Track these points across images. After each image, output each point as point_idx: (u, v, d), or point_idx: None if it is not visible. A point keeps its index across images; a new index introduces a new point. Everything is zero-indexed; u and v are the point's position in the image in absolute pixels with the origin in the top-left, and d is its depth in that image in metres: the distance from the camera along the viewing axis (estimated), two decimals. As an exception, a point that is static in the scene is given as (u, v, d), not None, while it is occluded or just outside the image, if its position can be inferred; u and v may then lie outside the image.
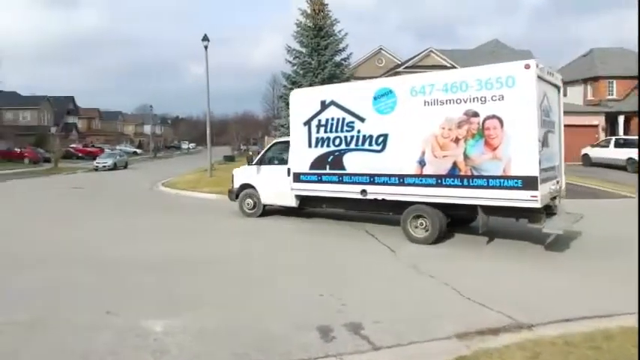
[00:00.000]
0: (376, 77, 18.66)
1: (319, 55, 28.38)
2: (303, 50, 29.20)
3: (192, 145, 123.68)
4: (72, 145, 66.34)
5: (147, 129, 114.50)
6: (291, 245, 11.17)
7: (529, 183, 9.16)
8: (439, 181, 10.21)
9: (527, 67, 9.21)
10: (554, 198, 10.38)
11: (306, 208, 14.10)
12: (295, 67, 28.85)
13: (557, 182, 10.52)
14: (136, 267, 9.02)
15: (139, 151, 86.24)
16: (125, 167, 47.39)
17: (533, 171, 9.15)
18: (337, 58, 29.07)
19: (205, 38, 29.81)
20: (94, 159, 59.56)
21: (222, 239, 11.94)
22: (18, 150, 53.26)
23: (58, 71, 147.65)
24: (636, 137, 29.49)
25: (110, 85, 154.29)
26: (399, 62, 45.04)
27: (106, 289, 7.71)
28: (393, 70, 40.27)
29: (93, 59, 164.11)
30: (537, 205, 9.16)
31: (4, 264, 9.47)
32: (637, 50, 23.42)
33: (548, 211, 10.13)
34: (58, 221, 15.19)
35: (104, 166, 43.83)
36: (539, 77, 9.34)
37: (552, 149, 10.41)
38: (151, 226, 14.08)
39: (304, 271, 8.72)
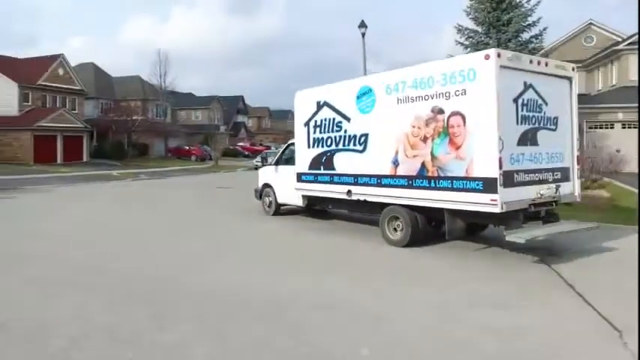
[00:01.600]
0: (583, 60, 13.72)
1: (499, 33, 23.69)
2: (478, 29, 24.70)
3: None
4: (239, 144, 68.80)
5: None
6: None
7: (489, 185, 8.56)
8: (410, 182, 10.02)
9: (487, 57, 8.63)
10: (550, 204, 9.41)
11: (317, 208, 14.21)
12: (468, 50, 24.37)
13: (557, 187, 9.40)
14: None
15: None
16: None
17: (492, 172, 8.51)
18: (525, 36, 24.01)
19: (362, 24, 26.78)
20: (259, 158, 60.71)
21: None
22: (187, 147, 56.00)
23: (233, 73, 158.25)
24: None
25: (281, 85, 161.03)
26: (619, 39, 35.68)
27: None
28: (609, 49, 32.18)
29: (267, 61, 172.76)
30: (497, 210, 8.47)
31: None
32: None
33: (540, 217, 9.44)
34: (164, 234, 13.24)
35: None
36: (508, 67, 8.70)
37: (546, 149, 9.48)
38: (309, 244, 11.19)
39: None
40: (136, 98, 52.16)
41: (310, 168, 12.90)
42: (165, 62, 56.20)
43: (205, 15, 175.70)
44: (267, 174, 15.42)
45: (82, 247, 10.50)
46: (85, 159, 45.20)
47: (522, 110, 9.03)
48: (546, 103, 9.48)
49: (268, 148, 70.54)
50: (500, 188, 8.43)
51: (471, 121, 8.83)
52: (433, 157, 9.48)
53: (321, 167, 12.52)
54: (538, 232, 8.91)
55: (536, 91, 9.31)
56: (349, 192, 11.57)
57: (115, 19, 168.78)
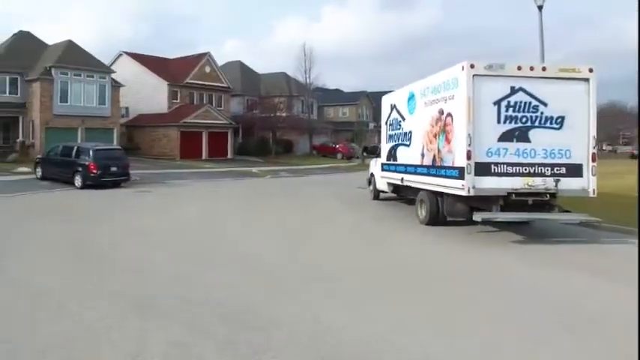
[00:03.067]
0: None
1: None
2: None
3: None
4: (388, 142, 65.71)
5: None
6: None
7: (461, 173, 10.56)
8: (428, 170, 12.43)
9: (462, 68, 10.57)
10: (544, 195, 10.57)
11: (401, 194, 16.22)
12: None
13: (557, 181, 10.54)
14: None
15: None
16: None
17: (462, 162, 10.48)
18: None
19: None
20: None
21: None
22: (332, 145, 54.14)
23: (384, 70, 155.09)
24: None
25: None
26: None
27: None
28: None
29: (419, 56, 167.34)
30: (464, 193, 10.49)
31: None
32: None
33: (528, 205, 10.54)
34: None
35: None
36: (486, 75, 10.44)
37: (543, 146, 10.60)
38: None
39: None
40: (281, 94, 51.30)
41: (387, 159, 15.88)
42: (310, 57, 54.72)
43: (356, 13, 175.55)
44: (372, 165, 18.44)
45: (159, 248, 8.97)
46: (229, 155, 45.15)
47: (507, 111, 10.54)
48: (545, 104, 10.62)
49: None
50: (467, 175, 10.34)
51: (456, 120, 10.86)
52: (438, 150, 11.72)
53: (391, 159, 15.51)
54: (505, 216, 10.54)
55: (528, 94, 10.59)
56: (402, 179, 14.39)
57: (266, 22, 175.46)
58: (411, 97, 13.68)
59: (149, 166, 32.78)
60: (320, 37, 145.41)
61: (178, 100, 44.82)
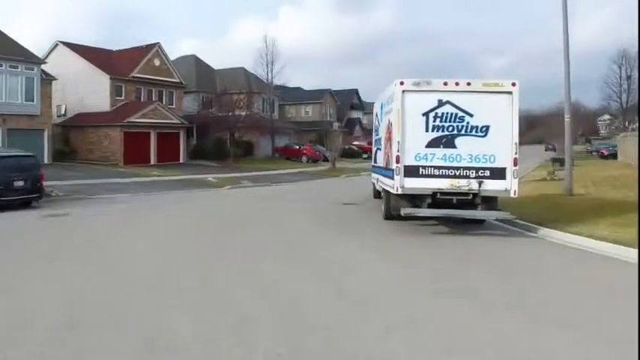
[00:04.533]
0: None
1: None
2: None
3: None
4: (355, 142, 61.06)
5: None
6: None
7: (393, 174, 12.07)
8: (384, 172, 13.99)
9: (395, 85, 12.10)
10: (467, 195, 11.79)
11: None
12: None
13: (480, 182, 11.69)
14: None
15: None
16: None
17: (393, 165, 12.07)
18: None
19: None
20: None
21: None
22: (297, 147, 49.03)
23: (344, 71, 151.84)
24: None
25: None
26: None
27: None
28: None
29: (379, 58, 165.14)
30: (394, 191, 12.11)
31: None
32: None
33: (454, 203, 11.88)
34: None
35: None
36: (416, 91, 11.86)
37: (469, 151, 11.74)
38: None
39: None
40: (240, 91, 45.70)
41: (373, 163, 18.05)
42: (273, 49, 49.44)
43: (313, 15, 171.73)
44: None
45: None
46: (182, 159, 39.60)
47: (434, 121, 11.86)
48: (470, 115, 11.81)
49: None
50: (396, 177, 11.92)
51: (393, 129, 12.35)
52: (388, 154, 13.24)
53: (374, 162, 17.58)
54: (425, 212, 12.02)
55: (454, 106, 11.82)
56: (377, 179, 16.19)
57: (224, 22, 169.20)
58: (381, 107, 15.05)
59: (84, 174, 27.12)
60: (278, 38, 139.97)
61: (123, 97, 38.89)
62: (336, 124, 62.96)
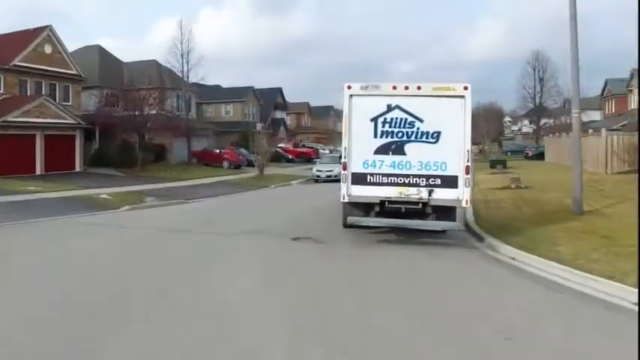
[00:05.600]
0: None
1: None
2: None
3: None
4: (280, 145, 55.59)
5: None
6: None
7: (341, 181, 11.68)
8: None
9: (343, 88, 11.47)
10: (416, 203, 11.18)
11: None
12: None
13: (430, 191, 11.12)
14: None
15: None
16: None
17: (340, 173, 11.80)
18: None
19: None
20: (308, 162, 46.83)
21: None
22: (217, 151, 42.82)
23: (266, 72, 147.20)
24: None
25: (316, 85, 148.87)
26: None
27: None
28: None
29: (300, 62, 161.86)
30: (341, 199, 11.57)
31: None
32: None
33: (402, 212, 11.30)
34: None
35: (329, 176, 30.18)
36: (364, 95, 11.35)
37: (419, 158, 11.20)
38: None
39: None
40: (151, 86, 38.82)
41: None
42: (188, 37, 42.81)
43: (233, 17, 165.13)
44: None
45: None
46: (77, 167, 32.59)
47: (383, 127, 11.26)
48: (421, 120, 11.19)
49: (314, 150, 57.56)
50: (342, 184, 11.42)
51: (343, 135, 11.75)
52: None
53: None
54: (369, 221, 11.58)
55: (404, 111, 11.21)
56: None
57: (142, 24, 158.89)
58: None
59: None
60: (198, 38, 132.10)
61: (2, 90, 31.26)
62: (259, 125, 57.30)
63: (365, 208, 11.66)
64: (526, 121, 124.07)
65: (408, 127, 11.22)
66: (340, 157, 31.18)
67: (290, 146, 57.51)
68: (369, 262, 9.99)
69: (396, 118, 11.23)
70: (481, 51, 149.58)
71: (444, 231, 12.08)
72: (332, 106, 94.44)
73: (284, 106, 70.87)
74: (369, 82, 11.49)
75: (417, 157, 11.22)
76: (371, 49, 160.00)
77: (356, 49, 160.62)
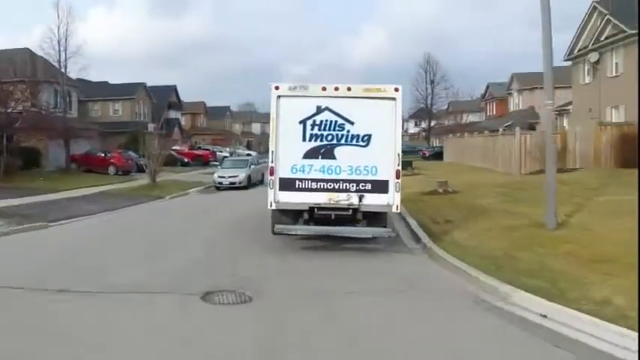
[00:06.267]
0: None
1: None
2: None
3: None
4: (174, 147, 50.07)
5: (256, 128, 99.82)
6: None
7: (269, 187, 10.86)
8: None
9: (270, 89, 10.63)
10: (347, 210, 10.52)
11: None
12: None
13: (360, 196, 10.53)
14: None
15: (253, 153, 69.39)
16: (262, 182, 29.31)
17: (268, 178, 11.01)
18: None
19: None
20: (205, 165, 42.19)
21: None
22: (102, 155, 36.75)
23: (160, 72, 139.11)
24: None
25: (209, 86, 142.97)
26: None
27: None
28: None
29: (194, 63, 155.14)
30: (269, 206, 10.66)
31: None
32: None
33: (332, 218, 10.56)
34: None
35: (232, 183, 25.96)
36: (292, 96, 10.51)
37: (349, 163, 10.57)
38: None
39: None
40: (21, 78, 32.04)
41: None
42: (67, 20, 36.05)
43: (127, 17, 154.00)
44: None
45: None
46: None
47: (312, 130, 10.54)
48: (351, 123, 10.54)
49: (211, 152, 52.70)
50: (270, 191, 10.58)
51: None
52: None
53: None
54: (297, 228, 10.70)
55: (334, 113, 10.53)
56: None
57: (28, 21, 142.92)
58: None
59: None
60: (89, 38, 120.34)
61: None
62: (151, 126, 51.40)
63: (294, 214, 10.87)
64: (412, 122, 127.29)
65: (338, 130, 10.61)
66: (245, 160, 26.89)
67: (185, 148, 52.19)
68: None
69: (326, 121, 10.59)
70: (367, 55, 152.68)
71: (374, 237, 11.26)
72: (228, 107, 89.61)
73: (179, 105, 65.02)
74: (297, 82, 10.95)
75: (348, 161, 10.61)
76: (264, 51, 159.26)
77: (250, 51, 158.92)
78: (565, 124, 36.64)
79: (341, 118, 10.56)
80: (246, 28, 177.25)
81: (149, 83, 55.07)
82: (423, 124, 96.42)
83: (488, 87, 76.19)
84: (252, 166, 28.49)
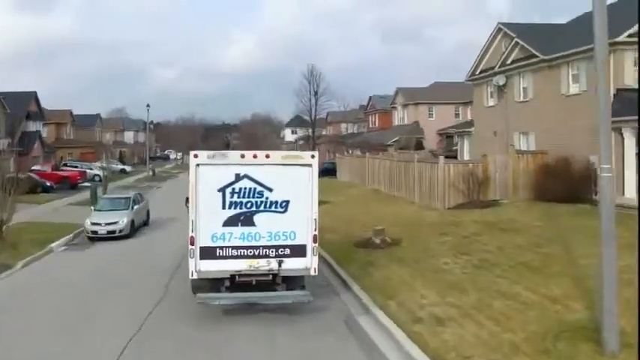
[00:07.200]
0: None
1: None
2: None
3: (179, 154, 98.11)
4: (35, 167, 40.98)
5: (128, 137, 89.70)
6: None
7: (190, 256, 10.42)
8: None
9: (190, 158, 10.46)
10: (267, 275, 10.47)
11: None
12: None
13: (280, 262, 10.48)
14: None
15: (127, 168, 60.66)
16: (147, 223, 23.09)
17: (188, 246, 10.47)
18: None
19: None
20: (73, 189, 34.98)
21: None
22: None
23: (17, 78, 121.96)
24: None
25: (76, 90, 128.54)
26: None
27: None
28: None
29: (58, 67, 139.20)
30: (190, 276, 10.38)
31: None
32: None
33: (252, 284, 10.43)
34: None
35: (112, 232, 19.62)
36: (210, 164, 10.31)
37: (268, 229, 10.51)
38: None
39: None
40: None
41: None
42: None
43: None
44: None
45: None
46: None
47: (232, 197, 10.33)
48: (270, 190, 10.46)
49: (81, 174, 44.21)
50: (190, 260, 10.24)
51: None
52: None
53: None
54: (219, 296, 10.26)
55: (253, 180, 10.40)
56: None
57: None
58: None
59: None
60: None
61: None
62: (3, 142, 41.52)
63: (215, 282, 10.49)
64: (288, 130, 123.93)
65: (257, 197, 10.52)
66: (125, 199, 20.50)
67: (48, 168, 43.13)
68: None
69: (245, 188, 10.47)
70: (238, 61, 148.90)
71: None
72: (98, 114, 79.23)
73: (40, 115, 54.47)
74: (215, 151, 10.91)
75: (267, 227, 10.54)
76: (134, 55, 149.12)
77: (120, 54, 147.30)
78: (465, 146, 34.60)
79: (260, 185, 10.53)
80: (116, 30, 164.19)
81: (1, 89, 45.13)
82: (300, 132, 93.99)
83: (370, 99, 74.72)
84: (136, 207, 21.93)
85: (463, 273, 12.80)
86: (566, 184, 21.63)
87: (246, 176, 10.38)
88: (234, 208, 10.35)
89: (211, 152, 10.60)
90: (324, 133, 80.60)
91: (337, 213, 24.60)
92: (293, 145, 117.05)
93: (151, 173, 54.91)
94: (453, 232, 17.74)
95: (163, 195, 38.88)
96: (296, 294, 10.49)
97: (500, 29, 30.17)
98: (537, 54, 25.83)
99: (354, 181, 38.49)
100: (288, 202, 10.52)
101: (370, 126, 74.65)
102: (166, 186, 47.27)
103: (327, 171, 49.51)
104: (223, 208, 10.29)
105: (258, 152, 10.76)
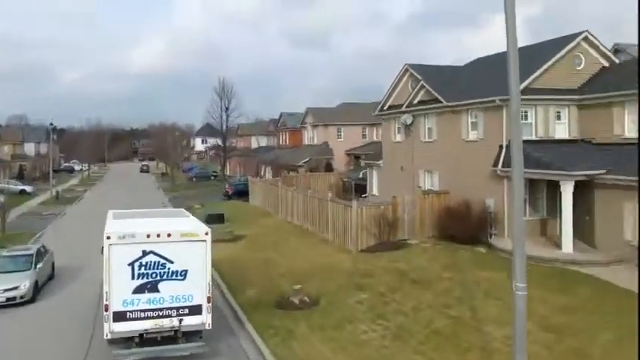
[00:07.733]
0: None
1: None
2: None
3: (85, 165, 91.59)
4: None
5: (29, 148, 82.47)
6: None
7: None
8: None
9: (104, 237, 11.97)
10: (171, 331, 12.28)
11: None
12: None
13: (180, 320, 12.24)
14: None
15: (28, 188, 55.64)
16: (52, 277, 21.23)
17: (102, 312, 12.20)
18: None
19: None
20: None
21: None
22: None
23: None
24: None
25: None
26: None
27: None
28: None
29: None
30: (104, 336, 12.03)
31: None
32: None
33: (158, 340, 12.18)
34: None
35: (11, 299, 17.65)
36: (122, 244, 11.93)
37: (170, 294, 12.24)
38: None
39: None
40: None
41: None
42: None
43: None
44: None
45: None
46: None
47: (140, 269, 12.03)
48: (172, 262, 12.25)
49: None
50: (105, 324, 11.83)
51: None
52: None
53: None
54: (131, 351, 11.82)
55: (157, 255, 12.15)
56: None
57: None
58: None
59: None
60: None
61: None
62: None
63: (127, 340, 12.04)
64: (198, 139, 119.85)
65: (161, 269, 12.18)
66: (27, 256, 18.54)
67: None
68: None
69: (151, 262, 12.12)
70: (146, 62, 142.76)
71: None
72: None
73: None
74: (125, 231, 12.27)
75: (169, 292, 12.25)
76: (40, 54, 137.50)
77: (21, 54, 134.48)
78: (374, 177, 35.51)
79: (163, 259, 12.22)
80: (18, 25, 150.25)
81: None
82: (210, 141, 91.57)
83: (281, 116, 74.60)
84: (39, 265, 19.42)
85: (382, 347, 13.06)
86: (466, 226, 23.00)
87: (151, 252, 12.14)
88: (142, 278, 12.07)
89: (122, 233, 12.09)
90: (234, 144, 78.73)
91: (253, 255, 24.29)
92: (203, 155, 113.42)
93: (54, 194, 50.76)
94: (368, 285, 18.04)
95: (71, 225, 36.25)
96: (193, 346, 12.33)
97: (407, 70, 31.20)
98: (441, 99, 27.00)
99: (267, 209, 37.90)
100: (186, 271, 12.36)
101: (281, 143, 74.48)
102: (72, 212, 43.88)
103: (240, 193, 47.49)
104: (132, 278, 11.99)
105: (161, 232, 12.33)
